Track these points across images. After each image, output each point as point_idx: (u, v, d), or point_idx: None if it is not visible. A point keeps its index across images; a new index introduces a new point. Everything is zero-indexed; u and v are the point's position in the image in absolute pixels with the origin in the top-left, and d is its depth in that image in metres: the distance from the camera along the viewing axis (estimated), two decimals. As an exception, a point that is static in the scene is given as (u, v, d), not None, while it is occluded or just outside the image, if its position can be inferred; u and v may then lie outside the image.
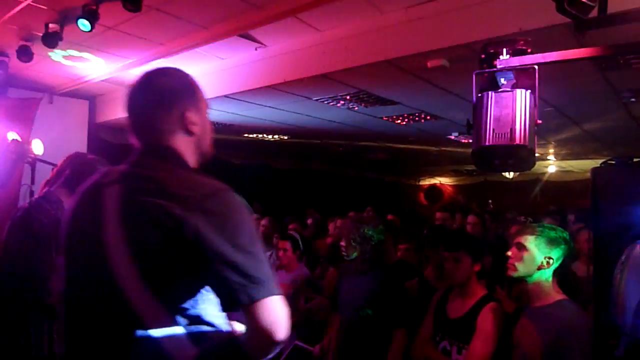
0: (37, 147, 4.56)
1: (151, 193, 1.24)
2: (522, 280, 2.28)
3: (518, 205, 10.67)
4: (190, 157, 1.43)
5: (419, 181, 15.38)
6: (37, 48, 4.36)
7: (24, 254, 2.46)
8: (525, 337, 2.20)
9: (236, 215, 1.25)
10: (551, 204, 9.28)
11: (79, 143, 6.17)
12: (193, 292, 1.24)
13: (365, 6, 3.72)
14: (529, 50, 1.82)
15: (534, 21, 3.04)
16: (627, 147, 8.06)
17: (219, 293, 1.26)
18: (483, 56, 1.89)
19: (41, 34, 4.06)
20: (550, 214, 7.13)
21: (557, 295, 2.20)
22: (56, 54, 4.94)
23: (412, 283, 3.46)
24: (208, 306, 1.27)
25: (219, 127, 7.29)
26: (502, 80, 1.80)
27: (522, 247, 2.22)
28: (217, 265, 1.19)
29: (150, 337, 1.19)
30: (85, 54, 5.02)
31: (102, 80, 5.65)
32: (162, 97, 1.38)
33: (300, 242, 4.20)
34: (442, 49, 3.66)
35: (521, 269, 2.21)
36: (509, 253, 2.27)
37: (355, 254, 2.98)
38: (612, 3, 1.73)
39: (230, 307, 1.27)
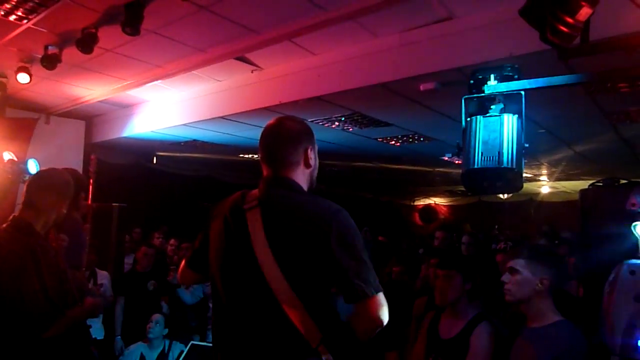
0: (33, 167, 4.59)
1: (290, 214, 1.63)
2: (521, 303, 2.24)
3: (512, 225, 10.71)
4: (305, 185, 1.80)
5: (413, 201, 15.42)
6: (36, 69, 4.42)
7: None
8: (522, 357, 2.18)
9: (352, 230, 1.62)
10: (544, 224, 9.32)
11: (74, 163, 6.19)
12: (322, 289, 1.61)
13: (359, 31, 3.81)
14: (516, 77, 1.89)
15: (524, 46, 3.09)
16: (618, 168, 8.16)
17: (342, 290, 1.58)
18: (472, 82, 1.95)
19: (40, 56, 4.12)
20: (544, 235, 7.17)
21: (555, 316, 2.18)
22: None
23: (421, 302, 3.46)
24: (330, 300, 1.63)
25: (214, 148, 7.34)
26: (490, 105, 1.86)
27: (514, 272, 2.21)
28: (342, 270, 1.55)
29: (289, 321, 1.55)
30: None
31: (99, 101, 5.71)
32: (292, 136, 1.78)
33: None
34: (434, 73, 3.73)
35: (517, 293, 2.19)
36: (504, 279, 2.25)
37: None
38: (594, 30, 1.80)
39: (351, 300, 1.57)
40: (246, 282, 1.65)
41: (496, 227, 11.11)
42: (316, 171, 1.86)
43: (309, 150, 1.79)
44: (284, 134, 1.79)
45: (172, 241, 5.81)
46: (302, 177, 1.79)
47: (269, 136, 1.80)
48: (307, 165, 1.80)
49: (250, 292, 1.64)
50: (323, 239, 1.56)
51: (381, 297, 1.58)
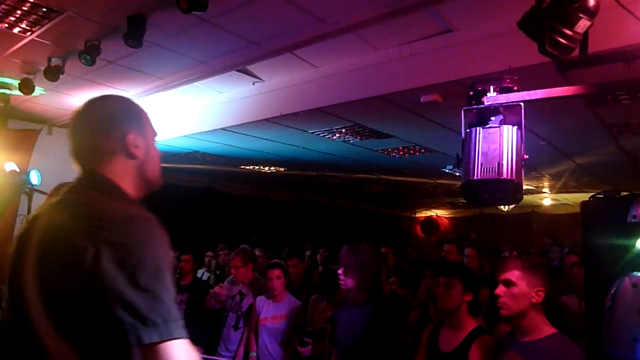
0: (35, 178, 4.59)
1: (67, 226, 1.14)
2: (515, 317, 2.16)
3: (514, 238, 10.67)
4: (129, 183, 1.33)
5: (415, 213, 15.40)
6: (39, 81, 4.45)
7: None
8: None
9: (143, 247, 1.11)
10: (547, 237, 9.30)
11: (76, 174, 6.19)
12: (97, 332, 1.10)
13: (359, 43, 3.83)
14: (515, 88, 1.90)
15: (523, 59, 3.12)
16: (620, 180, 8.14)
17: (113, 332, 1.08)
18: (471, 93, 1.96)
19: (43, 68, 4.15)
20: (550, 247, 7.13)
21: (549, 329, 2.13)
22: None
23: (416, 314, 3.45)
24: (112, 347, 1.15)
25: (216, 159, 7.35)
26: (490, 117, 1.86)
27: (510, 284, 2.14)
28: (110, 302, 1.06)
29: None
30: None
31: (102, 113, 5.73)
32: (101, 120, 1.33)
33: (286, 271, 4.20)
34: (435, 85, 3.76)
35: (514, 306, 2.12)
36: (498, 292, 2.17)
37: (352, 282, 2.96)
38: (593, 43, 1.81)
39: (121, 349, 1.08)
40: (14, 319, 1.18)
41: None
42: (151, 163, 1.38)
43: (129, 136, 1.32)
44: (91, 118, 1.35)
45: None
46: (123, 169, 1.32)
47: (74, 122, 1.35)
48: (131, 155, 1.32)
49: (16, 332, 1.17)
50: (96, 254, 1.07)
51: (174, 346, 1.07)
